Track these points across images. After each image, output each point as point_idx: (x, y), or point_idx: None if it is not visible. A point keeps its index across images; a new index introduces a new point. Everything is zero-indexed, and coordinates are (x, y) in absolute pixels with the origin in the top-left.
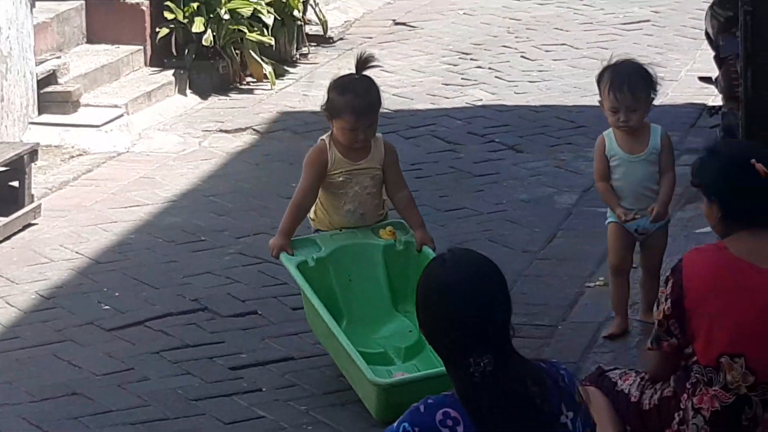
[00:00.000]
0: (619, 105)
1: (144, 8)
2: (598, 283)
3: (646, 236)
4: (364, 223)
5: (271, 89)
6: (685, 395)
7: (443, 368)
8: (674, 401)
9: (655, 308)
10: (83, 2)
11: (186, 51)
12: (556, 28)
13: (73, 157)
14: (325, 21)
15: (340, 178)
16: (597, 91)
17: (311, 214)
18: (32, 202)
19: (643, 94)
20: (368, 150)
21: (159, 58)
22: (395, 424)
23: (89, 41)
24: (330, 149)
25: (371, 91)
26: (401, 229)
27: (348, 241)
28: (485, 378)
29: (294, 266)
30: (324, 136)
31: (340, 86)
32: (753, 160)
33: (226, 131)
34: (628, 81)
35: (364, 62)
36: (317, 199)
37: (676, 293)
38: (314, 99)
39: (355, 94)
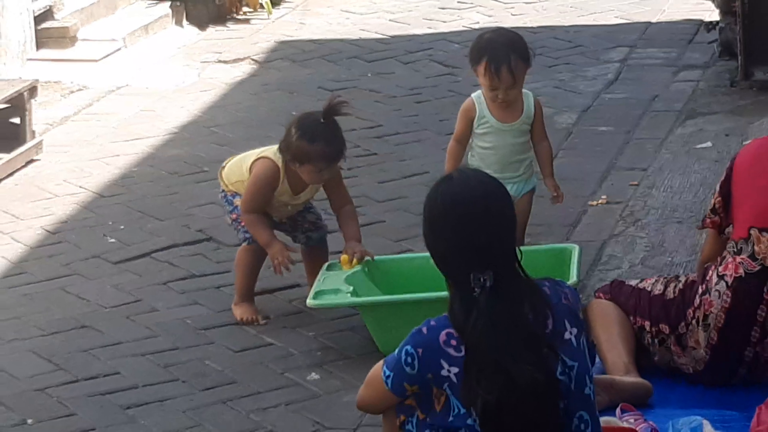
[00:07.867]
0: (500, 85)
1: None
2: (600, 201)
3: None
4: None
5: (268, 18)
6: (713, 267)
7: None
8: (699, 282)
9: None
10: None
11: None
12: None
13: (72, 92)
14: None
15: (277, 204)
16: (593, 11)
17: (225, 180)
18: (34, 138)
19: (522, 70)
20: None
21: None
22: (397, 350)
23: None
24: (282, 179)
25: (338, 135)
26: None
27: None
28: (483, 294)
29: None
30: (275, 157)
31: (309, 134)
32: None
33: (225, 62)
34: (508, 62)
35: (333, 110)
36: (239, 176)
37: (726, 175)
38: (311, 27)
39: (326, 142)
